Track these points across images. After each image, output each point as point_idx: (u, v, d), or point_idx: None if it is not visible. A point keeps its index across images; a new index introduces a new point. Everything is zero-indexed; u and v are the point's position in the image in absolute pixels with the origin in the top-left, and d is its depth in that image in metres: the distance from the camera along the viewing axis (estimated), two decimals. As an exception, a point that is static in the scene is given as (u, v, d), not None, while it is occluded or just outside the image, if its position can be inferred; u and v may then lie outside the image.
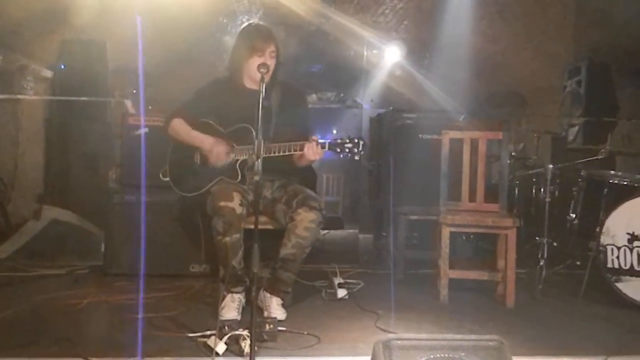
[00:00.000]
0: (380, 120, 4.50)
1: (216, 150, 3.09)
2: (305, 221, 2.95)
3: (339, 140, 2.89)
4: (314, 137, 2.92)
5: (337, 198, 5.60)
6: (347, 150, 2.85)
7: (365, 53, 5.87)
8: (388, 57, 5.95)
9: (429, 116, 4.10)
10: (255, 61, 3.05)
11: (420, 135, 3.96)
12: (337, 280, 3.53)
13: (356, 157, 2.87)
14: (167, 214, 3.69)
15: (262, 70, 2.87)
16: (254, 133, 2.64)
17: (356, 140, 2.86)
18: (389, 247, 4.06)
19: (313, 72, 6.06)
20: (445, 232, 3.39)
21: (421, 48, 5.87)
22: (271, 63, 3.08)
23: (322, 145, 2.90)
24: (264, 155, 2.75)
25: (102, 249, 3.84)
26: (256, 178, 2.49)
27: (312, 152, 2.90)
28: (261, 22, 3.22)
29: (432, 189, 3.61)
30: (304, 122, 3.23)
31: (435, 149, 3.66)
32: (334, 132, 5.19)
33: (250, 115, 2.72)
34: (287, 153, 2.96)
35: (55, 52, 4.74)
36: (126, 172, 3.89)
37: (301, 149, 2.92)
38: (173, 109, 3.27)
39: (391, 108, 4.33)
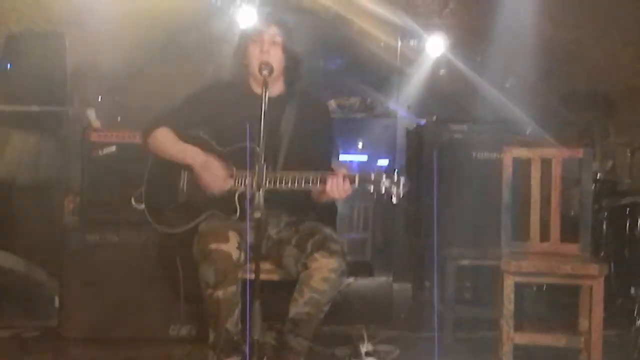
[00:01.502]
0: (420, 134, 4.53)
1: (213, 169, 3.05)
2: (324, 270, 2.93)
3: (373, 175, 2.88)
4: (342, 169, 2.92)
5: (364, 235, 5.55)
6: (384, 188, 2.85)
7: (399, 45, 5.86)
8: (429, 50, 5.95)
9: (485, 128, 4.16)
10: (253, 52, 3.09)
11: (474, 154, 4.03)
12: (365, 346, 3.53)
13: (394, 200, 2.86)
14: (141, 259, 3.72)
15: (264, 71, 2.88)
16: (258, 154, 2.65)
17: (395, 177, 2.85)
18: (433, 301, 4.04)
19: (331, 69, 6.08)
20: (509, 283, 3.34)
21: (472, 38, 5.86)
22: (275, 54, 3.10)
23: (351, 179, 2.89)
24: (269, 187, 2.76)
25: (56, 305, 3.85)
26: (257, 215, 2.48)
27: (337, 189, 2.89)
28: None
29: (489, 224, 3.64)
30: (327, 146, 3.25)
31: (494, 171, 3.66)
32: (359, 146, 5.20)
33: (258, 131, 2.73)
34: (302, 187, 2.96)
35: (-1, 49, 4.81)
36: (88, 204, 3.94)
37: (322, 182, 2.91)
38: (155, 115, 3.29)
39: (434, 118, 4.37)
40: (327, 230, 3.07)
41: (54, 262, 3.96)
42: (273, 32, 3.12)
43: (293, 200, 3.14)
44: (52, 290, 3.99)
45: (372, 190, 2.87)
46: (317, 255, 2.94)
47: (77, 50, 4.93)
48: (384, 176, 2.86)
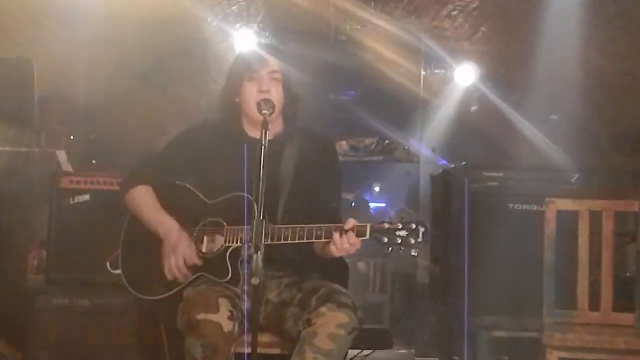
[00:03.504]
0: (447, 181, 4.56)
1: (178, 254, 3.06)
2: (331, 325, 2.89)
3: (387, 225, 2.89)
4: (350, 222, 2.91)
5: (381, 297, 5.57)
6: (400, 240, 2.86)
7: (422, 75, 5.91)
8: (458, 81, 6.00)
9: (524, 176, 4.17)
10: (250, 91, 3.12)
11: (511, 206, 4.02)
12: None
13: (413, 253, 2.87)
14: (118, 327, 3.73)
15: (264, 110, 2.91)
16: (255, 207, 2.66)
17: (414, 226, 2.86)
18: (462, 380, 4.04)
19: (343, 101, 6.11)
20: (553, 360, 3.33)
21: (508, 68, 5.87)
22: (275, 91, 3.14)
23: (361, 232, 2.89)
24: (268, 243, 2.76)
25: (18, 379, 3.86)
26: (254, 282, 2.48)
27: (344, 243, 2.90)
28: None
29: (529, 289, 3.67)
30: (332, 193, 3.26)
31: (535, 226, 3.67)
32: (377, 189, 5.20)
33: (253, 180, 2.74)
34: (304, 241, 2.96)
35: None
36: (56, 261, 3.94)
37: (327, 237, 2.92)
38: (134, 167, 3.32)
39: (464, 163, 4.38)
40: (335, 286, 3.05)
41: (14, 329, 3.95)
42: (273, 68, 3.16)
43: (295, 258, 3.15)
44: (13, 362, 3.99)
45: (386, 242, 2.88)
46: (323, 309, 2.90)
47: (47, 79, 4.95)
48: (399, 226, 2.87)
